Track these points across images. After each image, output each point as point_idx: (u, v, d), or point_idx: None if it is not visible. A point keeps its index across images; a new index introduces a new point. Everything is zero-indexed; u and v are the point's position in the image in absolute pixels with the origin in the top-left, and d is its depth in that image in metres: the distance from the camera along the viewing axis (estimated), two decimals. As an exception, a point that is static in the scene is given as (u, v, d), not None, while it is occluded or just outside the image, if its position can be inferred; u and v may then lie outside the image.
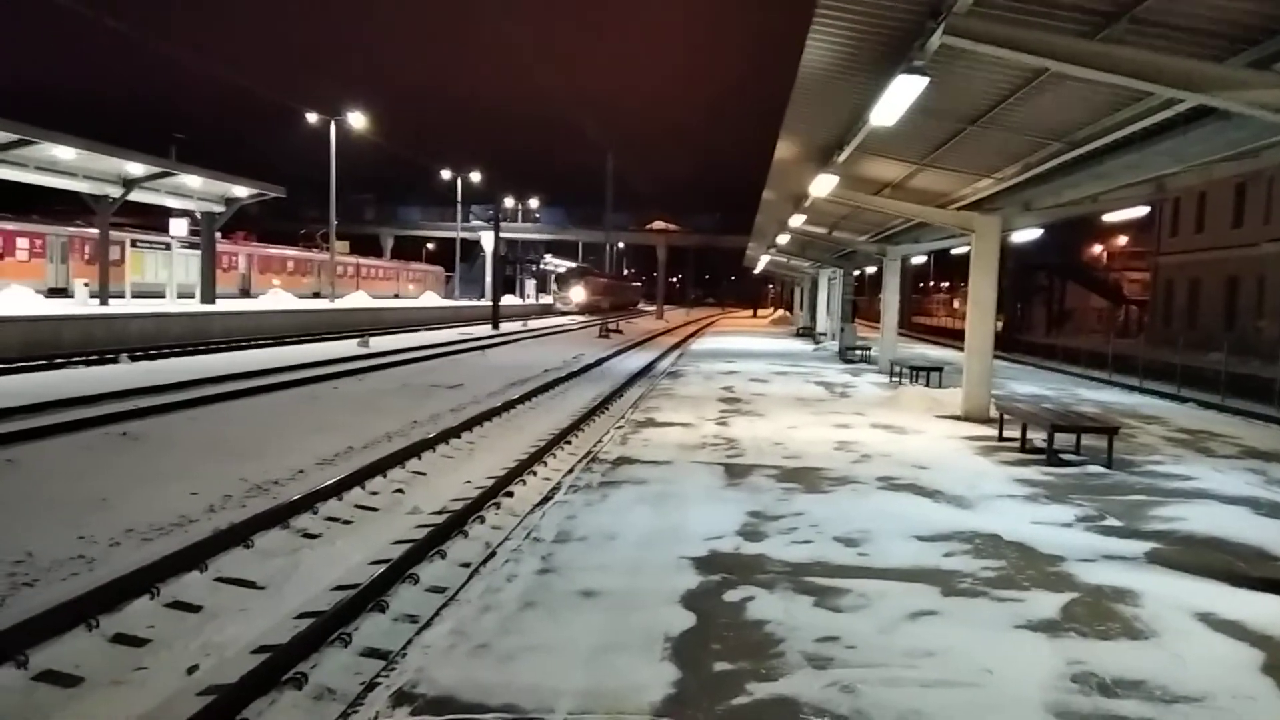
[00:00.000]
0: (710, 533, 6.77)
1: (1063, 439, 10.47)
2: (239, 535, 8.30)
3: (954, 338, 54.07)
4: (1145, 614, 5.22)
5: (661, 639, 4.70)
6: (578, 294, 64.40)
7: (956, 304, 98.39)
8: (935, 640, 4.75)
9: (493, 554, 6.69)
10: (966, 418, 13.46)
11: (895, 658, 4.52)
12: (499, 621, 4.97)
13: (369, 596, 6.95)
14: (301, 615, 6.74)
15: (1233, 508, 8.17)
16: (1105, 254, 68.95)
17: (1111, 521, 7.50)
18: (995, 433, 12.03)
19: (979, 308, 13.68)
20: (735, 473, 9.17)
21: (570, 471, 10.27)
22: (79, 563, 7.60)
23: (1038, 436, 11.19)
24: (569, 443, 14.06)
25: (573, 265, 70.08)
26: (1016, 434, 11.53)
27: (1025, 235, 19.37)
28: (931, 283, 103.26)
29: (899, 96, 7.26)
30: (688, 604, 5.23)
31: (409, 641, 4.90)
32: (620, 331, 47.49)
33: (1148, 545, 6.76)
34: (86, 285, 31.12)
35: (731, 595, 5.39)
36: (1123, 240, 66.43)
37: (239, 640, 6.33)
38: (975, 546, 6.56)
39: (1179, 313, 44.27)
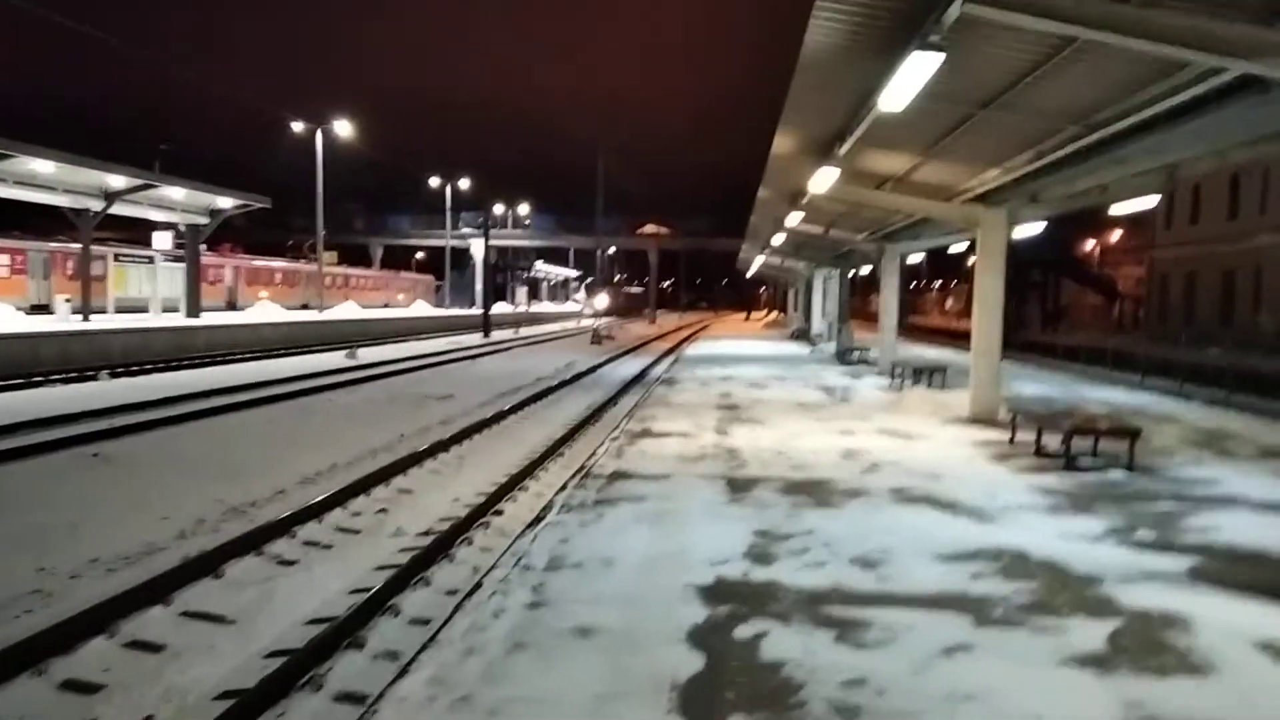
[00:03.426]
0: (716, 556, 6.24)
1: (1079, 442, 9.98)
2: (210, 564, 7.75)
3: (949, 337, 53.66)
4: (1201, 644, 4.71)
5: (668, 686, 4.17)
6: (601, 300, 75.98)
7: (950, 303, 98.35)
8: (974, 680, 4.23)
9: (479, 585, 6.16)
10: (975, 421, 12.97)
11: (933, 704, 4.00)
12: (484, 667, 4.44)
13: (346, 631, 6.41)
14: (272, 654, 6.20)
15: (1268, 516, 7.68)
16: (1099, 249, 68.72)
17: (1144, 534, 7.00)
18: (1007, 437, 11.54)
19: (985, 306, 13.18)
20: (738, 486, 8.64)
21: (563, 488, 9.74)
22: (35, 598, 7.03)
23: (1053, 440, 10.72)
24: (561, 455, 13.53)
25: (592, 278, 74.10)
26: (1029, 438, 11.04)
27: (1021, 232, 18.91)
28: (924, 282, 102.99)
29: (911, 76, 6.75)
30: (695, 642, 4.70)
31: (381, 695, 4.36)
32: (612, 338, 46.92)
33: (1188, 561, 6.26)
34: (68, 301, 30.49)
35: (743, 631, 4.86)
36: (1116, 235, 66.20)
37: (202, 683, 5.77)
38: (1003, 566, 6.05)
39: (1175, 307, 43.97)
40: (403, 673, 4.64)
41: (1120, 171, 10.04)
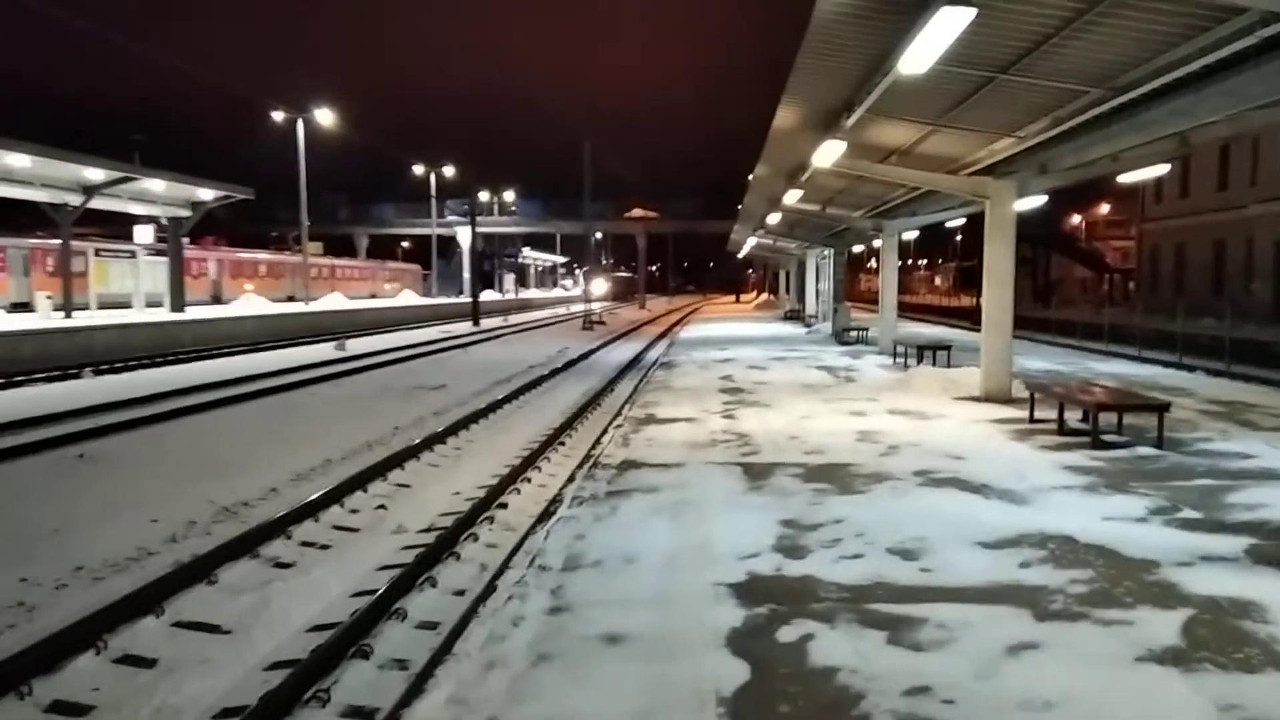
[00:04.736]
0: (743, 549, 5.85)
1: (1101, 418, 9.63)
2: (203, 569, 7.34)
3: (940, 315, 53.47)
4: (1282, 633, 4.35)
5: (714, 701, 3.78)
6: (599, 286, 79.25)
7: (938, 280, 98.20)
8: (1048, 684, 3.85)
9: (492, 587, 5.76)
10: (988, 399, 12.61)
11: (1008, 713, 3.62)
12: (509, 683, 4.04)
13: (351, 639, 6.01)
14: (273, 666, 5.80)
15: (1313, 490, 7.34)
16: (1085, 224, 68.58)
17: (1189, 513, 6.65)
18: (1023, 414, 11.18)
19: (996, 279, 12.79)
20: (755, 473, 8.25)
21: (571, 480, 9.35)
22: (17, 612, 6.62)
23: (1073, 417, 10.38)
24: (563, 444, 13.13)
25: (589, 266, 74.24)
26: (1047, 414, 10.71)
27: (1019, 206, 18.55)
28: (912, 260, 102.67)
29: (936, 36, 6.33)
30: (736, 648, 4.31)
31: (398, 717, 3.96)
32: (603, 323, 46.54)
33: (1243, 541, 5.91)
34: (49, 298, 29.86)
35: (786, 633, 4.47)
36: (1103, 209, 66.04)
37: (199, 701, 5.38)
38: (1051, 553, 5.68)
39: (1166, 279, 43.74)
40: (420, 691, 4.25)
41: (1141, 136, 9.63)
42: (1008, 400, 12.44)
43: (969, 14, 6.02)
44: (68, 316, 28.21)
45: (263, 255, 56.06)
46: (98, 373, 21.37)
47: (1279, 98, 7.54)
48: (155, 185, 30.63)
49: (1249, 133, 32.43)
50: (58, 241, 30.71)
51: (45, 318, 28.05)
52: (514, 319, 53.04)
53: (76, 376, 20.60)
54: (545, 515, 8.48)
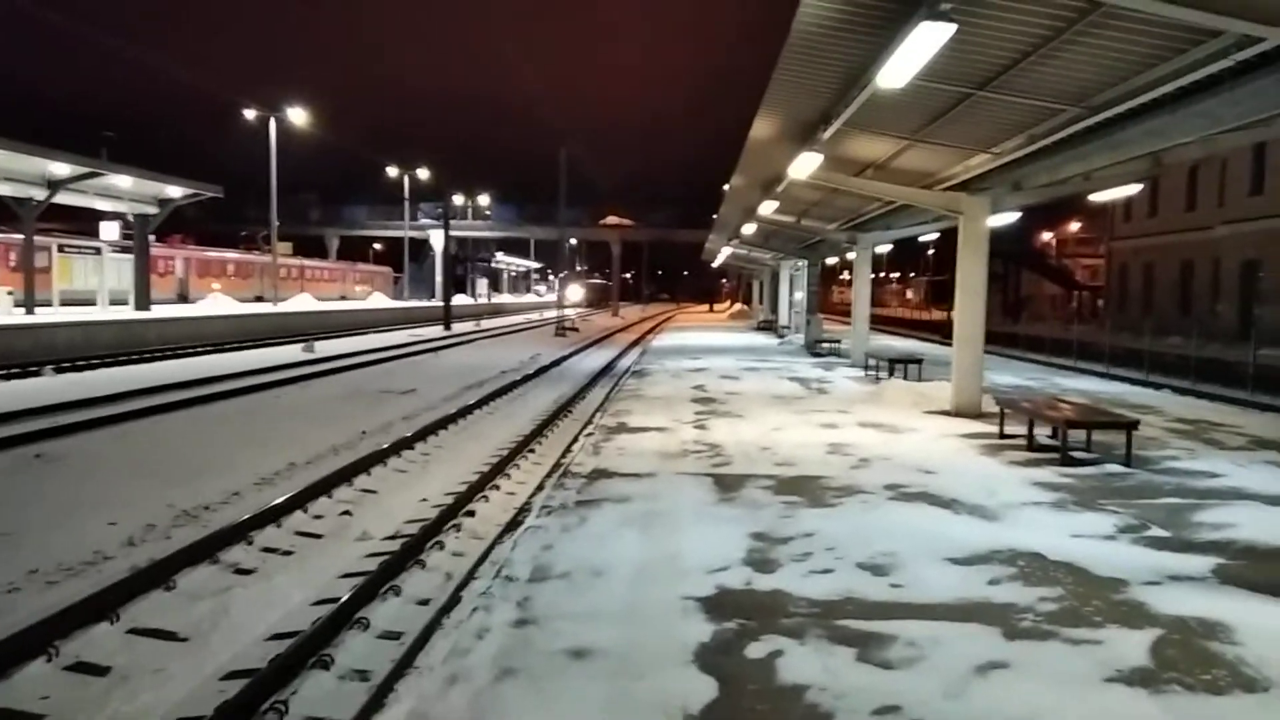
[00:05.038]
0: (713, 563, 5.79)
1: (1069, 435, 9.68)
2: (160, 574, 7.16)
3: (910, 328, 53.85)
4: (1250, 655, 4.35)
5: (680, 718, 3.71)
6: (574, 292, 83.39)
7: (910, 294, 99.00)
8: (1018, 704, 3.81)
9: (458, 598, 5.65)
10: (958, 413, 12.66)
11: (978, 734, 3.58)
12: (470, 698, 3.95)
13: (311, 648, 5.87)
14: (229, 675, 5.65)
15: (1278, 509, 7.40)
16: (1056, 241, 69.41)
17: (1157, 531, 6.67)
18: (993, 429, 11.22)
19: (969, 294, 12.85)
20: (727, 485, 8.20)
21: (540, 488, 9.24)
22: (-35, 617, 6.42)
23: (1042, 433, 10.43)
24: (533, 451, 13.02)
25: (565, 272, 73.95)
26: (1017, 430, 10.75)
27: (992, 223, 18.69)
28: (884, 273, 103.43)
29: (916, 50, 6.33)
30: (704, 664, 4.24)
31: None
32: (576, 330, 46.43)
33: (1210, 561, 5.92)
34: (11, 294, 29.32)
35: (755, 649, 4.41)
36: (1073, 227, 66.89)
37: (152, 711, 5.23)
38: (1021, 570, 5.66)
39: (1134, 297, 44.31)
40: (379, 705, 4.14)
41: (1115, 156, 9.70)
42: (978, 415, 12.49)
43: (948, 30, 6.03)
44: (29, 313, 27.72)
45: (231, 254, 55.44)
46: (59, 370, 20.97)
47: (1252, 120, 7.62)
48: (122, 181, 30.20)
49: (1218, 155, 33.02)
50: (20, 236, 30.19)
51: (6, 314, 27.54)
52: (486, 324, 52.80)
53: (37, 374, 20.20)
54: (513, 524, 8.37)
